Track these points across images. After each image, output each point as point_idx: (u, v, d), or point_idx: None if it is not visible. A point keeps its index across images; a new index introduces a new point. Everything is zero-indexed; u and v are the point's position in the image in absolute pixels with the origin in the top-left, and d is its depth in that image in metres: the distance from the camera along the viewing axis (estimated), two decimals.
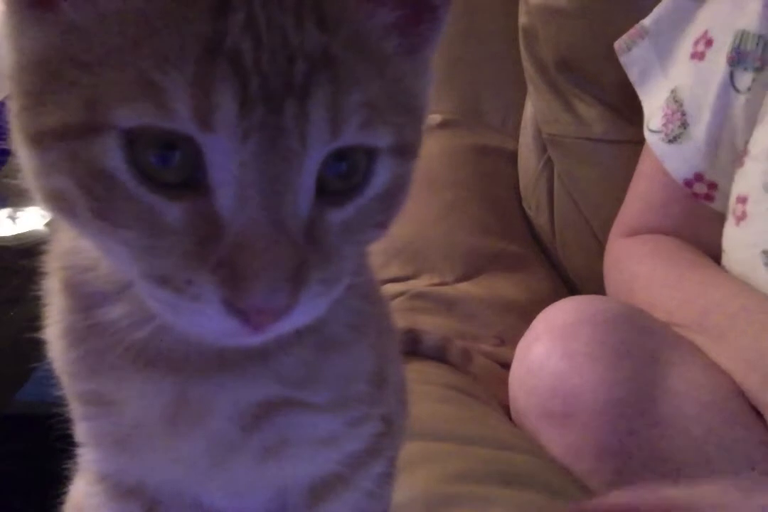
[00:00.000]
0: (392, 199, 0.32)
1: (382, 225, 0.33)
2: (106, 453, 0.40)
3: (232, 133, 0.27)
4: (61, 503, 0.49)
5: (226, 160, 0.27)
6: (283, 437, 0.38)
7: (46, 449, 0.42)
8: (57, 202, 0.29)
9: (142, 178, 0.28)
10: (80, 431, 0.40)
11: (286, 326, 0.30)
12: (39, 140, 0.28)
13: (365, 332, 0.39)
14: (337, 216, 0.31)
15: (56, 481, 0.48)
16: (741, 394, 0.71)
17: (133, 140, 0.27)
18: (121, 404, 0.37)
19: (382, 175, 0.31)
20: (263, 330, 0.29)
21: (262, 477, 0.39)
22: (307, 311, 0.30)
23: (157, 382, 0.35)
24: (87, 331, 0.35)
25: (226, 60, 0.26)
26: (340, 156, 0.29)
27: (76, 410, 0.39)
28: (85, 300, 0.35)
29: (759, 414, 0.70)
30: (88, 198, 0.28)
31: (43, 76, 0.28)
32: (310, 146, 0.28)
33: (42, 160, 0.29)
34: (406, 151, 0.32)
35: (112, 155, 0.27)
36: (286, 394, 0.37)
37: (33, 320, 0.38)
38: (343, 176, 0.30)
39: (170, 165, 0.28)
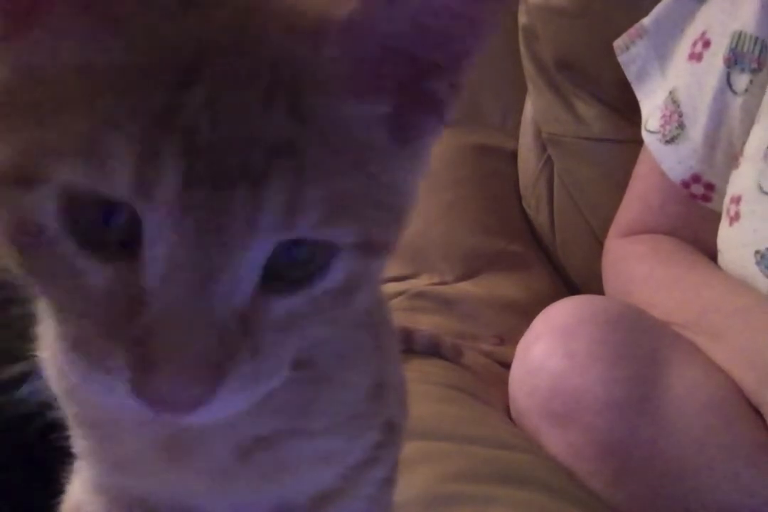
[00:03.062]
0: (347, 296, 0.30)
1: (332, 321, 0.30)
2: (105, 471, 0.39)
3: (171, 209, 0.25)
4: (59, 503, 0.49)
5: (162, 235, 0.25)
6: (282, 461, 0.37)
7: (45, 448, 0.42)
8: None
9: (74, 234, 0.26)
10: (78, 447, 0.39)
11: (200, 418, 0.28)
12: None
13: (362, 358, 0.38)
14: (282, 306, 0.28)
15: (55, 481, 0.48)
16: (741, 393, 0.71)
17: (69, 197, 0.26)
18: (119, 430, 0.36)
19: (339, 272, 0.29)
20: (173, 417, 0.27)
21: (262, 495, 0.39)
22: (228, 403, 0.28)
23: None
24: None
25: (177, 134, 0.25)
26: (294, 244, 0.27)
27: (73, 428, 0.39)
28: None
29: (759, 413, 0.70)
30: (14, 248, 0.27)
31: None
32: (257, 236, 0.26)
33: None
34: (373, 248, 0.29)
35: (44, 208, 0.26)
36: (284, 427, 0.36)
37: (33, 320, 0.38)
38: (295, 267, 0.28)
39: (106, 225, 0.26)
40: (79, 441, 0.39)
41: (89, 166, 0.25)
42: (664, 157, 0.90)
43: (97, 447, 0.38)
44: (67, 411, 0.38)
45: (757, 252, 0.76)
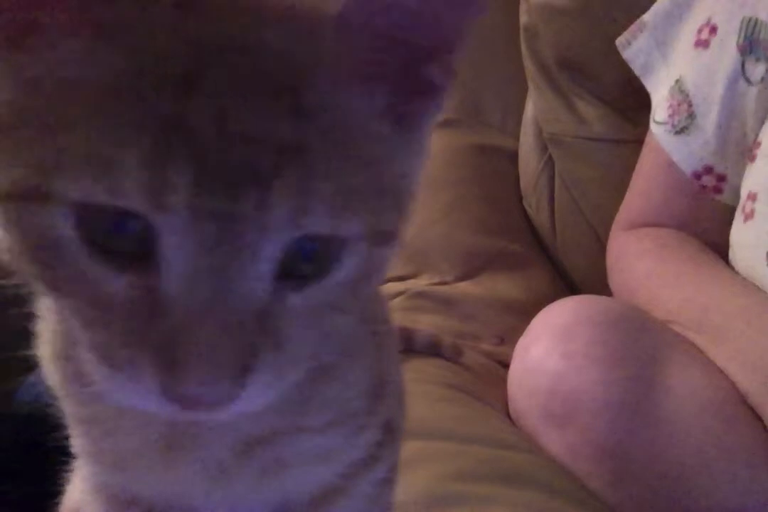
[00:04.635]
0: (358, 286, 0.31)
1: (346, 311, 0.31)
2: (103, 469, 0.39)
3: (185, 217, 0.25)
4: (58, 503, 0.49)
5: (178, 242, 0.26)
6: (280, 459, 0.37)
7: (44, 448, 0.42)
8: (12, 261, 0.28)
9: (91, 244, 0.27)
10: (76, 445, 0.39)
11: (232, 411, 0.29)
12: None
13: (361, 354, 0.39)
14: (299, 301, 0.29)
15: (54, 481, 0.48)
16: (740, 395, 0.71)
17: (84, 209, 0.26)
18: (116, 428, 0.36)
19: (350, 263, 0.29)
20: (205, 414, 0.28)
21: (261, 494, 0.39)
22: (256, 397, 0.29)
23: (151, 415, 0.34)
24: (78, 359, 0.33)
25: (183, 142, 0.25)
26: (306, 240, 0.28)
27: (71, 426, 0.39)
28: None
29: (758, 415, 0.70)
30: (34, 265, 0.27)
31: None
32: (269, 237, 0.27)
33: None
34: (382, 238, 0.30)
35: (60, 222, 0.26)
36: (282, 423, 0.36)
37: (33, 320, 0.38)
38: (308, 261, 0.28)
39: (122, 235, 0.26)
40: (77, 440, 0.39)
41: (101, 181, 0.25)
42: (674, 148, 0.88)
43: (95, 445, 0.38)
44: (66, 409, 0.38)
45: None
